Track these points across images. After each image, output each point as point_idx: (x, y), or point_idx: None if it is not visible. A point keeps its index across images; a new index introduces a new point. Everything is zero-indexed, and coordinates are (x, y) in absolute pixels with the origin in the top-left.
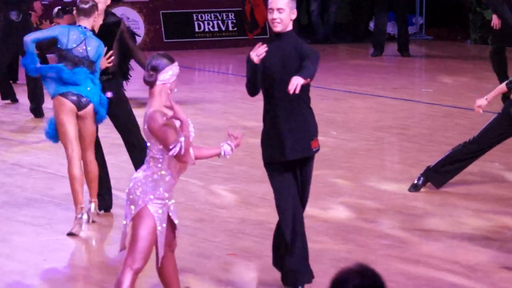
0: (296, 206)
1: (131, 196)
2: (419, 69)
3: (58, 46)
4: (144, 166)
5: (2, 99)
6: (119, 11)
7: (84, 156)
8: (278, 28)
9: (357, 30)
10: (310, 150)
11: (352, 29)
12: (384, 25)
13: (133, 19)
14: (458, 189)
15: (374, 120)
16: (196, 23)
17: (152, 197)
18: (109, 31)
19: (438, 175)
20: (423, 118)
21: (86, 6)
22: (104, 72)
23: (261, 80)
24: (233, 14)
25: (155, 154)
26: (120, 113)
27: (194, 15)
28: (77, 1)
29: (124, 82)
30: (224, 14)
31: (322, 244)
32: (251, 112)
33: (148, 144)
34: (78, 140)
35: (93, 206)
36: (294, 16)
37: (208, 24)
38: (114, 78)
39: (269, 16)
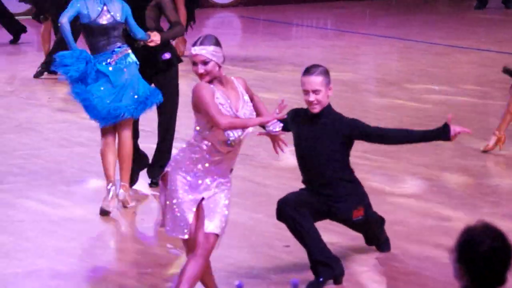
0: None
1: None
2: None
3: (82, 21)
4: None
5: None
6: None
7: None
8: (316, 110)
9: None
10: (350, 220)
11: None
12: None
13: None
14: None
15: (478, 75)
16: None
17: (182, 167)
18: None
19: None
20: None
21: None
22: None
23: (297, 155)
24: None
25: (195, 128)
26: (167, 79)
27: None
28: None
29: None
30: None
31: (431, 203)
32: (351, 68)
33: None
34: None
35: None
36: (331, 93)
37: None
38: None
39: (305, 98)
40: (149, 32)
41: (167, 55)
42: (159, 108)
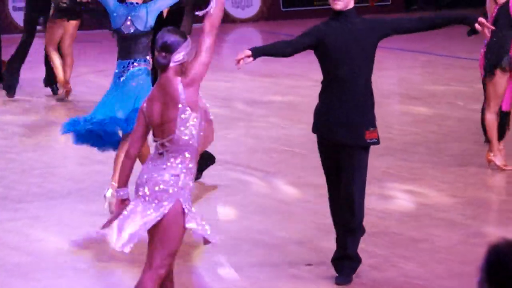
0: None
1: (168, 190)
2: None
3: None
4: (171, 159)
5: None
6: None
7: None
8: (338, 6)
9: None
10: (363, 140)
11: None
12: None
13: None
14: None
15: None
16: None
17: (187, 192)
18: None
19: None
20: None
21: None
22: None
23: (324, 60)
24: None
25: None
26: None
27: None
28: None
29: None
30: None
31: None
32: (374, 82)
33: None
34: None
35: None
36: None
37: None
38: None
39: None
40: None
41: None
42: None
